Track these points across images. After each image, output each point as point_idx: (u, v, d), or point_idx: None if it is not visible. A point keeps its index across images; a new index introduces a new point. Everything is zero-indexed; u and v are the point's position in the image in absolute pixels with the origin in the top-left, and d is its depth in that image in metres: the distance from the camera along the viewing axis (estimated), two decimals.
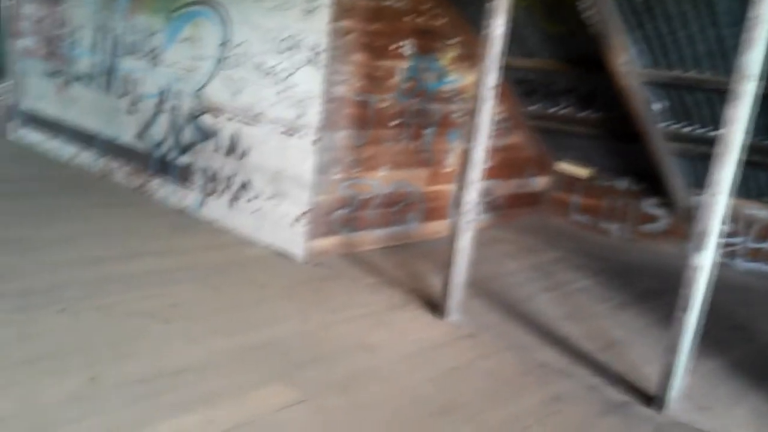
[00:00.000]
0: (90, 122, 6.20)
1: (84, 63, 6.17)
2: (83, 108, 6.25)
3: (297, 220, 4.49)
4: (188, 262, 4.16)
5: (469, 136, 3.61)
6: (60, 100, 6.54)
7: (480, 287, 4.22)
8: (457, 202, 3.68)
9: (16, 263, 3.79)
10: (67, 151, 6.50)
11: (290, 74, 4.42)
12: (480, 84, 3.55)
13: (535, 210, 6.28)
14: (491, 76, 3.55)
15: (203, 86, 5.04)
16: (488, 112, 3.60)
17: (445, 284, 3.78)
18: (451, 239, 3.73)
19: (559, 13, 4.65)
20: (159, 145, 5.51)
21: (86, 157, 6.29)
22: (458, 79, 5.07)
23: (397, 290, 4.13)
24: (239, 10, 4.69)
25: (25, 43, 6.93)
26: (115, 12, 5.74)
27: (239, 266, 4.24)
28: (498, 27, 3.49)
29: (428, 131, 5.02)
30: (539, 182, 6.26)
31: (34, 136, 6.95)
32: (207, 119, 5.06)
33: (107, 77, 5.93)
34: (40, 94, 6.81)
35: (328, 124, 4.34)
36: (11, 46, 7.19)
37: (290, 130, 4.47)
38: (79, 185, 5.77)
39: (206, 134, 5.09)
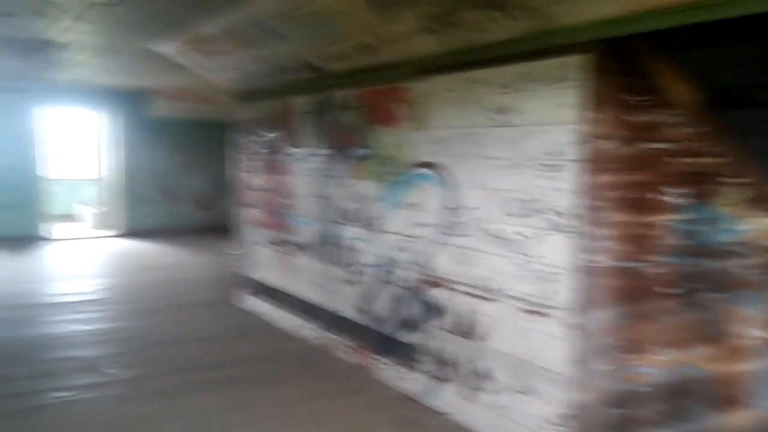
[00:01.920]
0: (312, 293, 5.94)
1: (306, 232, 6.02)
2: (306, 278, 6.04)
3: (551, 423, 3.55)
4: None
5: None
6: (285, 269, 6.44)
7: None
8: None
9: None
10: (292, 323, 6.28)
11: (532, 242, 3.67)
12: None
13: None
14: None
15: (429, 256, 4.48)
16: None
17: None
18: None
19: None
20: (382, 320, 4.99)
21: (310, 330, 5.99)
22: (748, 227, 3.94)
23: None
24: (467, 172, 4.12)
25: (251, 212, 7.09)
26: (335, 180, 5.54)
27: None
28: None
29: (713, 296, 3.89)
30: None
31: (261, 306, 6.91)
32: (435, 293, 4.44)
33: (328, 246, 5.67)
34: (267, 263, 6.80)
35: (584, 301, 3.46)
36: (239, 216, 7.41)
37: (536, 310, 3.65)
38: (301, 365, 5.40)
39: (435, 310, 4.45)
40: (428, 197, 4.47)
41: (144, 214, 13.17)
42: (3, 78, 10.69)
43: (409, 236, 4.67)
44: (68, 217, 14.88)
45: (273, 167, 6.57)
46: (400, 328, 4.79)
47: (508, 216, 3.83)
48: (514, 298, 3.80)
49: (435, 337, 4.45)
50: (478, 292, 4.07)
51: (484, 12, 3.58)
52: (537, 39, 3.50)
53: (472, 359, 4.12)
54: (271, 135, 6.57)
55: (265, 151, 6.71)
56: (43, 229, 12.20)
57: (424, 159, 4.49)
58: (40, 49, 7.65)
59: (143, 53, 7.81)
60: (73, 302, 7.40)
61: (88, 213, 14.25)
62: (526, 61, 3.62)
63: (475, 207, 4.07)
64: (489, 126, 3.93)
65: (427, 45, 4.24)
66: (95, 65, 9.06)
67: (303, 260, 6.08)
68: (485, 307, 4.02)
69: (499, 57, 3.79)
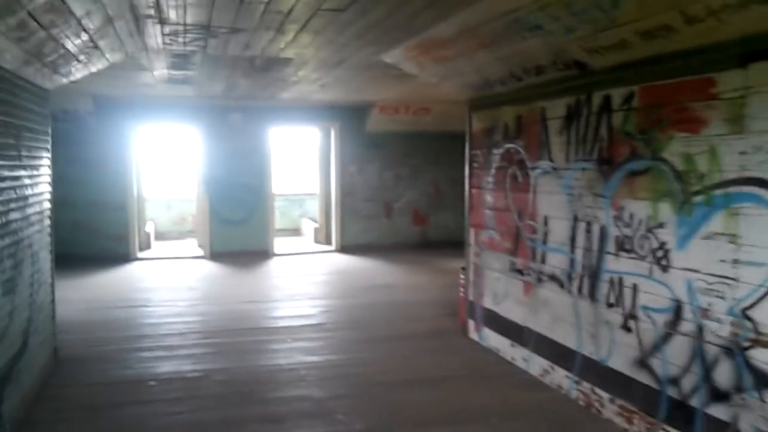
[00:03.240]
0: (565, 334, 4.95)
1: (557, 260, 5.05)
2: (556, 315, 5.08)
3: None
4: None
5: None
6: (526, 302, 5.53)
7: None
8: None
9: None
10: (537, 367, 5.35)
11: None
12: None
13: None
14: None
15: (753, 305, 3.29)
16: None
17: None
18: None
19: None
20: (674, 380, 3.86)
21: (559, 378, 5.01)
22: None
23: None
24: None
25: (484, 233, 6.27)
26: (599, 198, 4.52)
27: None
28: None
29: None
30: None
31: (495, 340, 6.06)
32: (762, 356, 3.25)
33: (589, 280, 4.65)
34: (502, 293, 5.94)
35: None
36: (469, 236, 6.64)
37: None
38: (561, 427, 4.44)
39: (762, 379, 3.25)
40: (754, 226, 3.29)
41: (360, 228, 13.06)
42: (236, 99, 11.12)
43: (718, 276, 3.50)
44: (293, 232, 15.37)
45: (513, 183, 5.70)
46: (704, 395, 3.63)
47: None
48: None
49: (760, 416, 3.25)
50: None
51: None
52: None
53: None
54: (511, 146, 5.71)
55: (503, 164, 5.87)
56: (270, 244, 12.54)
57: (747, 174, 3.32)
58: (265, 66, 7.58)
59: (364, 64, 7.41)
60: (297, 326, 7.15)
61: (310, 228, 14.55)
62: None
63: None
64: None
65: (760, 19, 3.09)
66: (315, 81, 8.91)
67: (552, 294, 5.12)
68: None
69: None
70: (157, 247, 13.17)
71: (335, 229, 13.15)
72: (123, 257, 11.60)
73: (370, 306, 8.18)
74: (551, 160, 5.09)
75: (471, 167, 6.53)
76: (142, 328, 7.07)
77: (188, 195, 15.00)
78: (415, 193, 13.36)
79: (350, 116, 12.61)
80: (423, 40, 5.72)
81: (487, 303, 6.26)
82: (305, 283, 9.86)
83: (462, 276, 7.06)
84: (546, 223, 5.19)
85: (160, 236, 14.40)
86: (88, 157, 11.50)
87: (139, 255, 11.99)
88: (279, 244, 12.94)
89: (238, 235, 12.33)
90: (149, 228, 13.43)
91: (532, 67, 5.05)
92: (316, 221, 14.61)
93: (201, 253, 12.35)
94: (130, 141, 11.86)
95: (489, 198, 6.16)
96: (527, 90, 5.35)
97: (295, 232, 15.55)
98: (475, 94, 6.25)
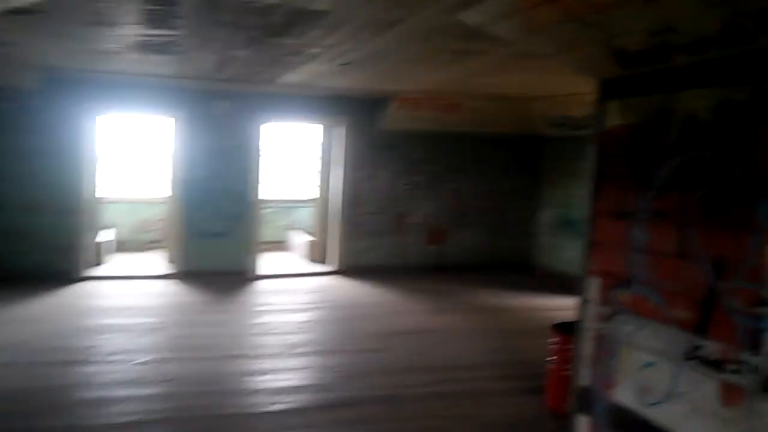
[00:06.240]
0: None
1: None
2: None
3: None
4: None
5: None
6: (729, 417, 3.27)
7: None
8: None
9: None
10: None
11: None
12: None
13: None
14: None
15: None
16: None
17: None
18: None
19: None
20: None
21: None
22: None
23: None
24: None
25: (628, 289, 4.01)
26: None
27: None
28: None
29: None
30: None
31: None
32: None
33: None
34: (663, 390, 3.68)
35: None
36: (588, 288, 4.39)
37: None
38: None
39: None
40: None
41: (364, 246, 10.72)
42: (226, 81, 8.71)
43: None
44: (278, 246, 12.91)
45: (703, 215, 3.45)
46: None
47: None
48: None
49: None
50: None
51: None
52: None
53: None
54: (704, 153, 3.47)
55: (681, 182, 3.62)
56: (254, 264, 10.12)
57: None
58: (284, 25, 5.25)
59: (424, 29, 5.17)
60: (308, 409, 4.83)
61: (301, 241, 12.15)
62: None
63: None
64: None
65: None
66: (339, 56, 6.59)
67: None
68: None
69: None
70: (116, 261, 10.63)
71: (334, 246, 10.79)
72: (66, 275, 9.05)
73: (405, 369, 5.86)
74: None
75: (600, 182, 4.27)
76: (73, 411, 4.62)
77: (158, 197, 12.51)
78: (432, 205, 11.07)
79: (362, 111, 10.29)
80: None
81: (624, 398, 3.99)
82: (305, 323, 7.49)
83: (553, 340, 4.82)
84: None
85: (122, 246, 11.83)
86: (30, 148, 8.93)
87: (90, 272, 9.46)
88: (263, 261, 10.53)
89: (216, 251, 9.90)
90: (108, 237, 10.90)
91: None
92: (309, 234, 12.22)
93: (169, 269, 9.89)
94: (87, 130, 9.32)
95: (641, 233, 3.89)
96: (756, 56, 3.11)
97: (280, 245, 13.08)
98: (622, 72, 3.98)
